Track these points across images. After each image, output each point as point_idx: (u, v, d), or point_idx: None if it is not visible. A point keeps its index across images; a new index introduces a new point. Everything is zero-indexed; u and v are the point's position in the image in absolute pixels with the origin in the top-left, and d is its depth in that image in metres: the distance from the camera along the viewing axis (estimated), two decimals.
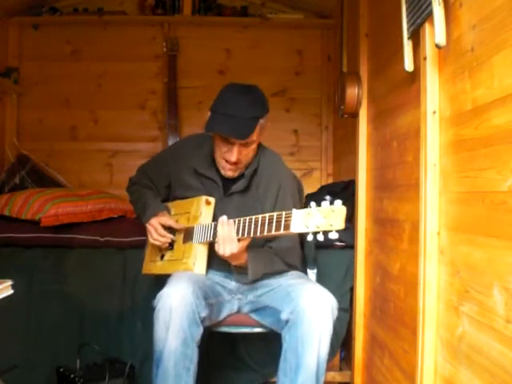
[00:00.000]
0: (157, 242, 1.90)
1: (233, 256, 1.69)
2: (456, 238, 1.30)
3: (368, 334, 2.16)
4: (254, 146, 1.82)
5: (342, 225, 1.39)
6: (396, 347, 1.75)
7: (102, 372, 2.01)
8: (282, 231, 1.47)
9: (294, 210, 1.43)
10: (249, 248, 1.74)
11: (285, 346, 1.67)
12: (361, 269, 2.23)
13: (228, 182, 1.88)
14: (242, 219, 1.64)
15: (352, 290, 2.34)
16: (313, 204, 1.41)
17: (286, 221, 1.45)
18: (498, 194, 1.08)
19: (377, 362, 1.99)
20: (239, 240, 1.65)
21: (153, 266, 2.00)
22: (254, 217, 1.59)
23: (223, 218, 1.68)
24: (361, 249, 2.23)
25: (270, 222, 1.51)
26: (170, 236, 1.90)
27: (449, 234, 1.34)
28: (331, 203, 1.39)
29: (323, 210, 1.39)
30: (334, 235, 1.39)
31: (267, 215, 1.54)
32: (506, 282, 1.05)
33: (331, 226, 1.38)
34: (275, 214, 1.50)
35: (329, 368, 2.39)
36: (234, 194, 1.88)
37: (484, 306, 1.14)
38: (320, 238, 1.40)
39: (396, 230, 1.78)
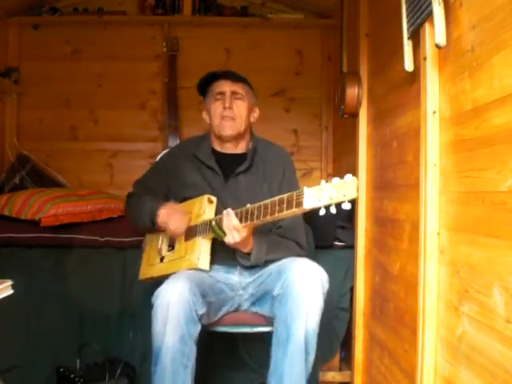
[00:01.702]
0: (175, 226, 1.88)
1: (242, 242, 1.73)
2: (456, 238, 1.30)
3: (368, 333, 2.16)
4: (245, 105, 1.96)
5: (355, 194, 1.39)
6: (396, 347, 1.75)
7: (102, 372, 2.02)
8: (294, 209, 1.46)
9: (305, 188, 1.42)
10: (255, 234, 1.79)
11: (276, 320, 1.69)
12: (361, 269, 2.23)
13: (229, 168, 1.94)
14: (248, 207, 1.65)
15: (352, 289, 2.34)
16: (323, 181, 1.42)
17: (297, 198, 1.45)
18: (497, 193, 1.08)
19: (376, 362, 1.99)
20: (246, 226, 1.69)
21: (151, 269, 1.99)
22: (263, 202, 1.60)
23: (228, 210, 1.71)
24: (361, 249, 2.23)
25: (281, 203, 1.51)
26: (186, 219, 1.88)
27: (449, 234, 1.34)
28: (341, 178, 1.40)
29: (335, 184, 1.40)
30: (347, 206, 1.39)
31: (277, 198, 1.54)
32: (506, 281, 1.05)
33: (344, 195, 1.39)
34: (286, 195, 1.50)
35: (329, 368, 2.41)
36: (239, 176, 1.93)
37: (484, 306, 1.14)
38: (333, 210, 1.40)
39: (396, 230, 1.78)
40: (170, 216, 1.89)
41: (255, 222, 1.63)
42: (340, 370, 2.46)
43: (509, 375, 1.03)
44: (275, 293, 1.71)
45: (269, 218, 1.57)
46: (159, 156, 2.44)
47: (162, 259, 1.96)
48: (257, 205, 1.62)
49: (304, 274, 1.65)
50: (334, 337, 2.37)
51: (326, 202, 1.39)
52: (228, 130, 1.94)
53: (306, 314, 1.61)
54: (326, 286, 1.68)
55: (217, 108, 1.95)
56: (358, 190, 1.39)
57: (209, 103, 2.01)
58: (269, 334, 1.81)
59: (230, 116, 1.93)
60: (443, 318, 1.36)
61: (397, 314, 1.75)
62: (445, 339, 1.35)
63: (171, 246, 1.94)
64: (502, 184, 1.06)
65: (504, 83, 1.06)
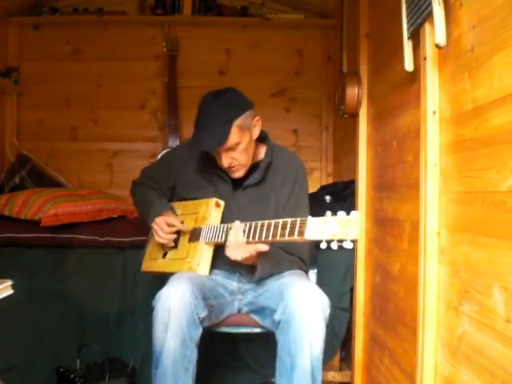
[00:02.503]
0: (162, 241, 1.91)
1: (243, 260, 1.71)
2: (456, 238, 1.30)
3: (368, 333, 2.16)
4: (243, 146, 1.79)
5: (357, 235, 1.41)
6: (396, 347, 1.75)
7: (102, 372, 2.02)
8: (295, 237, 1.48)
9: (310, 218, 1.44)
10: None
11: (279, 346, 1.67)
12: (361, 268, 2.23)
13: (239, 178, 1.90)
14: (254, 223, 1.65)
15: (352, 289, 2.34)
16: (328, 213, 1.43)
17: (300, 227, 1.46)
18: (497, 193, 1.08)
19: (377, 362, 1.99)
20: (249, 243, 1.67)
21: (153, 263, 1.99)
22: (266, 221, 1.60)
23: (237, 223, 1.69)
24: (361, 248, 2.23)
25: (284, 228, 1.52)
26: (174, 236, 1.91)
27: (449, 234, 1.34)
28: (347, 214, 1.41)
29: (339, 220, 1.41)
30: (348, 245, 1.41)
31: (281, 221, 1.55)
32: (506, 282, 1.05)
33: (347, 234, 1.40)
34: (289, 220, 1.51)
35: (329, 368, 2.40)
36: (248, 187, 1.89)
37: (484, 306, 1.14)
38: (334, 246, 1.42)
39: (396, 230, 1.78)
40: (161, 230, 1.89)
41: (257, 240, 1.63)
42: (340, 369, 2.46)
43: (509, 375, 1.03)
44: (276, 317, 1.68)
45: (270, 239, 1.58)
46: (160, 155, 2.43)
47: (164, 255, 1.96)
48: (260, 223, 1.62)
49: (305, 300, 1.62)
50: (334, 337, 2.37)
51: (328, 238, 1.41)
52: (237, 175, 1.86)
53: (309, 342, 1.59)
54: (328, 310, 1.65)
55: (216, 157, 1.84)
56: (359, 229, 1.41)
57: None
58: (269, 335, 1.82)
59: (234, 167, 1.82)
60: (443, 318, 1.36)
61: (397, 314, 1.75)
62: (445, 339, 1.35)
63: (175, 244, 1.94)
64: (502, 184, 1.06)
65: (504, 83, 1.06)
